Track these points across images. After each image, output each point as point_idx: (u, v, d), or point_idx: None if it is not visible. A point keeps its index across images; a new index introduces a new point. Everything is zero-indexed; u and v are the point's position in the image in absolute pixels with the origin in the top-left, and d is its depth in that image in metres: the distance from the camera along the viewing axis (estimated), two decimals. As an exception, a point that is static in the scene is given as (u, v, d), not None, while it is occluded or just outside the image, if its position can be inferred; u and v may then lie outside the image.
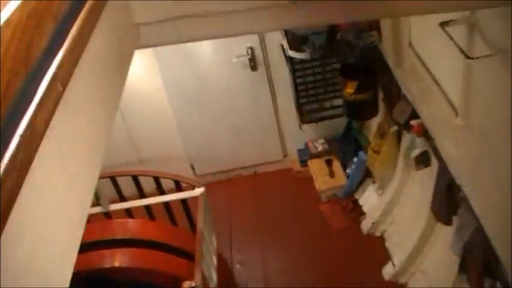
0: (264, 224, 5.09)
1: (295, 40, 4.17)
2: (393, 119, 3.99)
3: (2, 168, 0.70)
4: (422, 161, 3.71)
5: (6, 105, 0.74)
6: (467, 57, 2.21)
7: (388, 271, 4.20)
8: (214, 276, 3.72)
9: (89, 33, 1.10)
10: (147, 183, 4.31)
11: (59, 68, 0.91)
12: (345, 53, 4.00)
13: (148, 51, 4.79)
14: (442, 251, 3.61)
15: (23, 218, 0.76)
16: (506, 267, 2.46)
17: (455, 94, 2.69)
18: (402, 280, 4.12)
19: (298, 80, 4.91)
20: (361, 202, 4.97)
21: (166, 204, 4.11)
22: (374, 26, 3.81)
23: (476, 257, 2.87)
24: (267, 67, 5.10)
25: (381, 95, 4.22)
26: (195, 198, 3.86)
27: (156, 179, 4.18)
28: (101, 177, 4.18)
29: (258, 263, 4.76)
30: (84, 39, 1.07)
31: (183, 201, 4.03)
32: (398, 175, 4.42)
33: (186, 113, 5.34)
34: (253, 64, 5.02)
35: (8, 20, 0.79)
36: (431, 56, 3.12)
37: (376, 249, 4.49)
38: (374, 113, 4.25)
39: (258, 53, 4.98)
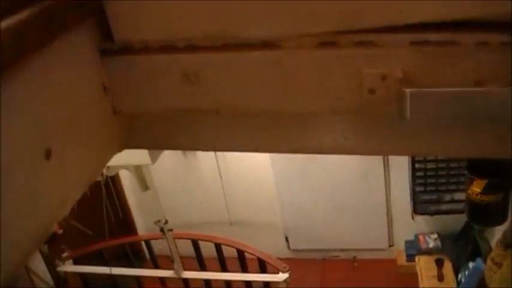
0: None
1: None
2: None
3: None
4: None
5: None
6: None
7: None
8: None
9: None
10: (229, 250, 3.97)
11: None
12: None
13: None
14: None
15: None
16: None
17: None
18: None
19: (417, 165, 4.35)
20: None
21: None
22: None
23: None
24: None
25: (512, 199, 3.55)
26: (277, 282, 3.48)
27: (240, 252, 3.82)
28: (180, 237, 3.95)
29: None
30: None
31: (265, 283, 3.65)
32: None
33: (288, 180, 4.95)
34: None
35: None
36: None
37: None
38: (501, 219, 3.57)
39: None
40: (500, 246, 3.87)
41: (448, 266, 4.57)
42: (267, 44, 0.99)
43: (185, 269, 3.63)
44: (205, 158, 5.01)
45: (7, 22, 0.76)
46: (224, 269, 3.89)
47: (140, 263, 5.03)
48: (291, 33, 0.98)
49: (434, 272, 4.55)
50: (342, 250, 5.20)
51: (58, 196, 0.97)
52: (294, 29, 0.97)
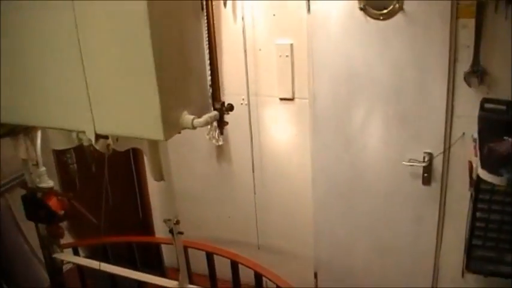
0: None
1: (493, 157, 3.07)
2: None
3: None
4: None
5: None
6: None
7: None
8: None
9: None
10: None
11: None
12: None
13: (305, 118, 4.09)
14: None
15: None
16: None
17: None
18: None
19: (479, 214, 3.70)
20: None
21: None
22: None
23: None
24: (443, 183, 3.98)
25: None
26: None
27: (257, 276, 3.32)
28: (191, 246, 3.49)
29: None
30: None
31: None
32: None
33: (328, 209, 4.40)
34: (426, 175, 3.95)
35: None
36: None
37: None
38: None
39: (437, 162, 3.91)
40: None
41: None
42: None
43: (192, 283, 3.14)
44: (241, 168, 4.57)
45: None
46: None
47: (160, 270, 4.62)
48: None
49: None
50: (379, 295, 4.56)
51: None
52: None
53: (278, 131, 4.35)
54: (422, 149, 3.91)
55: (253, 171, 4.51)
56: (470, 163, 3.60)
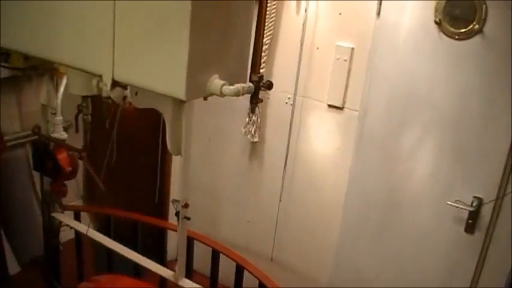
0: None
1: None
2: None
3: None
4: None
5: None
6: None
7: None
8: None
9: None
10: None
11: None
12: None
13: (351, 132, 3.77)
14: None
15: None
16: None
17: None
18: None
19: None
20: None
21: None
22: None
23: None
24: (488, 235, 3.55)
25: None
26: None
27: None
28: (196, 238, 3.19)
29: None
30: None
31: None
32: None
33: (355, 234, 4.03)
34: (471, 222, 3.53)
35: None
36: None
37: None
38: None
39: (487, 210, 3.48)
40: None
41: None
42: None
43: (190, 279, 2.84)
44: (271, 172, 4.27)
45: None
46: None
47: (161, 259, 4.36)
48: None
49: None
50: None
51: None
52: None
53: (319, 140, 4.01)
54: (472, 192, 3.50)
55: (283, 177, 4.20)
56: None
